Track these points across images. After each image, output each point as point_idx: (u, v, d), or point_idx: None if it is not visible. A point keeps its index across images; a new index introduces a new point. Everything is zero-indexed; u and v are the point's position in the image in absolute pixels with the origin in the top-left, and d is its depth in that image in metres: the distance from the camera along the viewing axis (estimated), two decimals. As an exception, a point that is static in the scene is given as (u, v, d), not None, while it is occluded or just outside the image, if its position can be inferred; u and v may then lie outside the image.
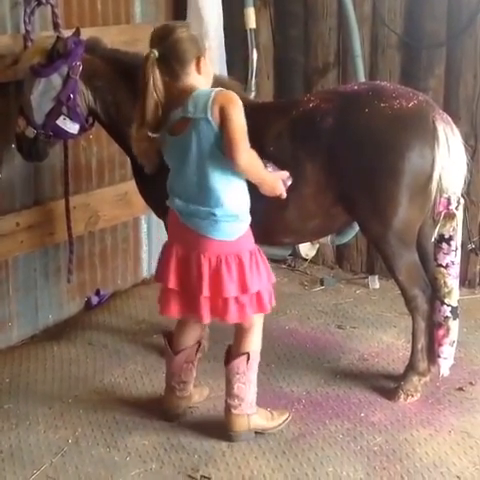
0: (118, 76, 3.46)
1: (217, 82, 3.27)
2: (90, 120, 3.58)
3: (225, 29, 4.57)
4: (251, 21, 4.69)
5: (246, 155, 2.88)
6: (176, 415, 3.31)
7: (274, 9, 4.79)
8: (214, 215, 2.93)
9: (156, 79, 2.88)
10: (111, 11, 4.29)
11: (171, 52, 2.89)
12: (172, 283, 3.05)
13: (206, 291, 2.97)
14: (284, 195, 3.05)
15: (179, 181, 3.00)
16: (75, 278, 4.25)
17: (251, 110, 3.43)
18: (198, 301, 3.00)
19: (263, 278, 3.05)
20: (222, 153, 2.87)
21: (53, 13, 3.80)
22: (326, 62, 4.69)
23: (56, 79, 3.43)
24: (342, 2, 4.46)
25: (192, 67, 2.92)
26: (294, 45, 4.78)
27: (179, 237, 3.05)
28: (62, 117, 3.47)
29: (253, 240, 3.07)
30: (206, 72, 2.97)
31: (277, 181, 3.02)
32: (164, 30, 2.96)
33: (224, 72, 4.46)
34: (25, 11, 3.71)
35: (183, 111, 2.88)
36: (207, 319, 3.04)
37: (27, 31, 3.71)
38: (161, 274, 3.11)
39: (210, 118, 2.85)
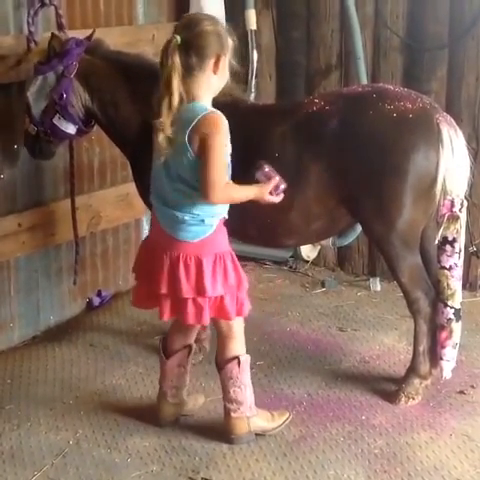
0: (118, 77, 3.47)
1: None
2: (90, 122, 3.59)
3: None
4: (252, 22, 4.70)
5: (219, 194, 2.86)
6: (166, 422, 3.28)
7: (276, 11, 4.79)
8: (177, 217, 2.95)
9: (177, 64, 2.81)
10: (114, 12, 4.29)
11: (193, 43, 2.83)
12: (140, 276, 3.14)
13: (164, 288, 3.00)
14: (277, 200, 3.01)
15: (155, 180, 3.03)
16: (77, 279, 4.25)
17: (254, 112, 3.45)
18: (158, 297, 3.04)
19: (229, 283, 3.01)
20: (194, 173, 2.86)
21: (57, 14, 3.80)
22: (328, 64, 4.69)
23: (51, 77, 3.47)
24: (344, 4, 4.46)
25: (210, 64, 2.86)
26: (296, 47, 4.78)
27: (153, 233, 3.12)
28: (57, 116, 3.50)
29: (225, 242, 3.05)
30: (222, 74, 2.91)
31: (263, 193, 2.97)
32: (191, 20, 2.92)
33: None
34: (28, 12, 3.71)
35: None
36: (166, 316, 3.06)
37: (30, 32, 3.71)
38: (134, 266, 3.20)
39: (186, 141, 2.83)
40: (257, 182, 2.99)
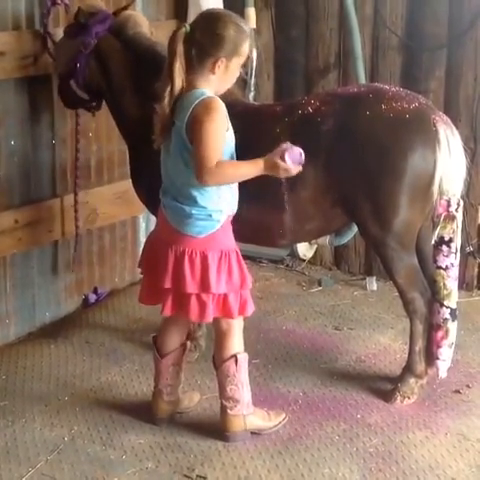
0: (128, 64, 3.52)
1: None
2: (101, 97, 3.69)
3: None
4: (251, 21, 4.69)
5: (211, 174, 2.82)
6: (162, 420, 3.27)
7: (275, 10, 4.79)
8: (184, 210, 2.94)
9: (180, 52, 2.82)
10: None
11: (197, 37, 2.84)
12: (145, 271, 3.14)
13: (168, 283, 2.99)
14: (294, 171, 2.90)
15: (163, 172, 3.02)
16: (72, 276, 4.25)
17: (250, 113, 3.44)
18: (161, 292, 3.03)
19: (234, 282, 3.01)
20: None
21: (66, 12, 3.89)
22: (327, 63, 4.69)
23: (70, 45, 3.58)
24: (344, 3, 4.46)
25: (208, 63, 2.86)
26: (295, 46, 4.77)
27: (158, 227, 3.11)
28: (72, 80, 3.62)
29: (231, 241, 3.04)
30: (223, 76, 2.89)
31: (272, 164, 2.87)
32: (209, 16, 2.92)
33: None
34: (43, 12, 3.80)
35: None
36: (168, 312, 3.04)
37: (46, 28, 3.79)
38: (139, 261, 3.21)
39: (184, 129, 2.84)
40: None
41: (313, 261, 4.94)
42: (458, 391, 3.53)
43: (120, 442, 3.16)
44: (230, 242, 3.04)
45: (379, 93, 3.27)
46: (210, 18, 2.90)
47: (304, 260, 4.92)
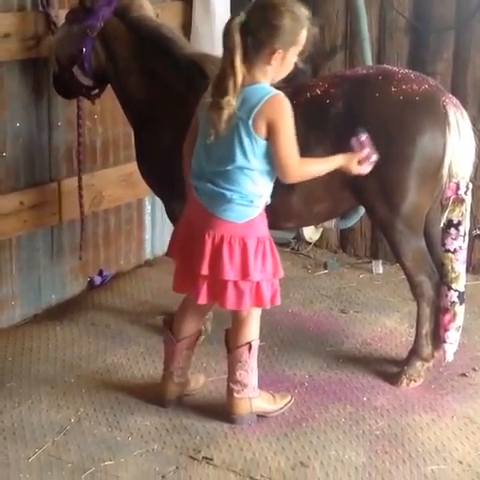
0: (134, 46, 3.50)
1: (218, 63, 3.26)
2: (105, 82, 3.66)
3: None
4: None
5: (296, 173, 2.89)
6: (170, 401, 3.27)
7: (282, -10, 4.75)
8: (226, 196, 2.90)
9: (238, 43, 2.75)
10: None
11: (252, 28, 2.77)
12: (177, 258, 3.06)
13: (205, 270, 2.94)
14: (365, 171, 2.99)
15: (201, 159, 2.96)
16: (78, 258, 4.25)
17: None
18: (197, 279, 2.98)
19: (267, 270, 2.98)
20: (255, 157, 2.85)
21: None
22: (333, 45, 4.66)
23: (76, 30, 3.54)
24: (350, -16, 4.43)
25: (264, 54, 2.80)
26: (301, 27, 4.74)
27: (191, 213, 3.03)
28: (76, 67, 3.58)
29: (265, 228, 3.02)
30: (279, 67, 2.84)
31: (350, 162, 2.96)
32: (266, 4, 2.80)
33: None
34: None
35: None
36: (203, 299, 3.00)
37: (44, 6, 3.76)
38: (170, 249, 3.14)
39: (250, 124, 2.81)
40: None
41: (319, 244, 4.93)
42: (464, 374, 3.53)
43: (126, 424, 3.17)
44: (265, 229, 3.02)
45: (388, 75, 3.25)
46: (265, 7, 2.79)
47: (310, 243, 4.91)
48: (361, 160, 2.97)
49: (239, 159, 2.87)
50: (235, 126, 2.84)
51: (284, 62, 2.85)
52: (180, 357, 3.24)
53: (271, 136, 2.83)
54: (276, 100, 2.83)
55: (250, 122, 2.81)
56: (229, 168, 2.89)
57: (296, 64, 2.91)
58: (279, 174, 2.90)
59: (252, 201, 2.93)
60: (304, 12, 2.84)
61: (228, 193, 2.90)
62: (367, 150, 2.97)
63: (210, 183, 2.93)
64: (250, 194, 2.92)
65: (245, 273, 2.93)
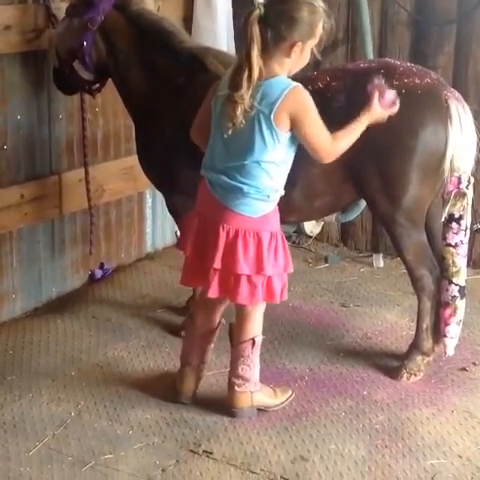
0: (134, 40, 3.50)
1: (219, 56, 3.26)
2: (106, 75, 3.64)
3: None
4: (259, -4, 4.64)
5: (332, 153, 2.93)
6: (188, 398, 3.25)
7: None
8: (242, 190, 2.89)
9: (256, 36, 2.74)
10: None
11: (272, 20, 2.76)
12: (189, 252, 3.04)
13: (218, 263, 2.92)
14: (392, 112, 3.02)
15: (215, 152, 2.94)
16: (79, 251, 4.25)
17: None
18: (209, 273, 2.96)
19: (279, 265, 2.97)
20: (274, 150, 2.86)
21: None
22: (335, 38, 4.61)
23: (76, 23, 3.53)
24: (352, -22, 4.42)
25: (284, 46, 2.79)
26: (303, 20, 4.72)
27: (204, 207, 3.01)
28: (77, 61, 3.57)
29: (278, 222, 3.01)
30: (297, 60, 2.85)
31: (374, 113, 2.98)
32: None
33: (232, 48, 4.42)
34: None
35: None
36: (214, 293, 2.99)
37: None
38: (181, 242, 3.12)
39: (272, 118, 2.81)
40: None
41: (320, 238, 4.93)
42: (464, 369, 3.53)
43: (127, 417, 3.17)
44: (278, 224, 3.02)
45: (390, 68, 3.24)
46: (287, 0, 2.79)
47: (311, 237, 4.91)
48: (383, 104, 3.00)
49: (258, 153, 2.86)
50: (255, 120, 2.83)
51: (302, 54, 2.86)
52: (203, 352, 3.23)
53: (297, 128, 2.84)
54: (297, 92, 2.84)
55: (272, 116, 2.81)
56: (246, 162, 2.88)
57: (314, 55, 2.91)
58: (316, 158, 2.93)
59: (268, 196, 2.93)
60: (321, 4, 2.85)
61: (244, 187, 2.89)
62: (385, 92, 3.00)
63: (225, 176, 2.91)
64: (266, 188, 2.91)
65: (259, 267, 2.93)
